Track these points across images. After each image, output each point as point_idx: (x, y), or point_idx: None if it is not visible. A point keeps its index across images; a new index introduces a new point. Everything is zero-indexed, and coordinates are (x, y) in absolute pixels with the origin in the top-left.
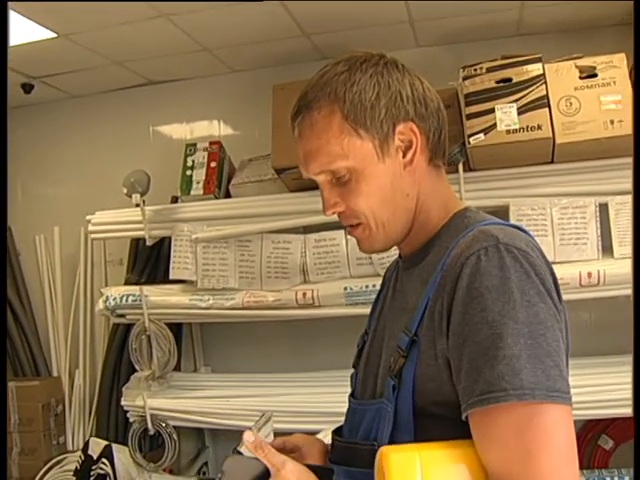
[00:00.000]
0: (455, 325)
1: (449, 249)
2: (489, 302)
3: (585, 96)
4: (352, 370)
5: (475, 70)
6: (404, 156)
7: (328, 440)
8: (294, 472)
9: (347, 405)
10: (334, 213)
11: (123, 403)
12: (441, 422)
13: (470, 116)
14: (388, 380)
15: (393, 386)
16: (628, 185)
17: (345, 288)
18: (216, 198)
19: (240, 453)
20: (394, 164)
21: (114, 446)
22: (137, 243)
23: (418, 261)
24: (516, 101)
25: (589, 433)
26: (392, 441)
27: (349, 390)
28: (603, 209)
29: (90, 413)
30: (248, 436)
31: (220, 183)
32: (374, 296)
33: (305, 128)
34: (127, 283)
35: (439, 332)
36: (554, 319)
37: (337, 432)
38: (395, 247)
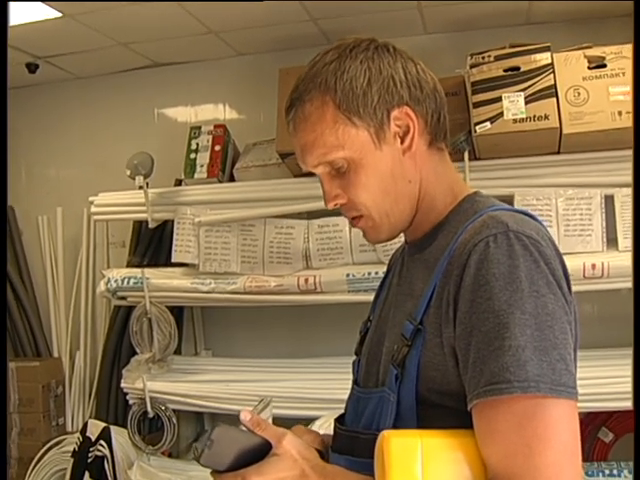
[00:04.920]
0: (462, 314)
1: (457, 234)
2: (496, 290)
3: (593, 86)
4: (354, 357)
5: (483, 58)
6: (402, 142)
7: (326, 428)
8: (293, 443)
9: (348, 392)
10: (336, 206)
11: (123, 385)
12: (445, 412)
13: (477, 104)
14: (391, 369)
15: (396, 375)
16: None
17: (347, 275)
18: (220, 182)
19: None
20: (392, 151)
21: (112, 428)
22: (140, 225)
23: (425, 247)
24: (524, 90)
25: (589, 426)
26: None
27: (350, 377)
28: (609, 201)
29: (90, 395)
30: (245, 415)
31: (224, 167)
32: (376, 283)
33: (299, 122)
34: (129, 265)
35: (446, 320)
36: (562, 311)
37: (339, 420)
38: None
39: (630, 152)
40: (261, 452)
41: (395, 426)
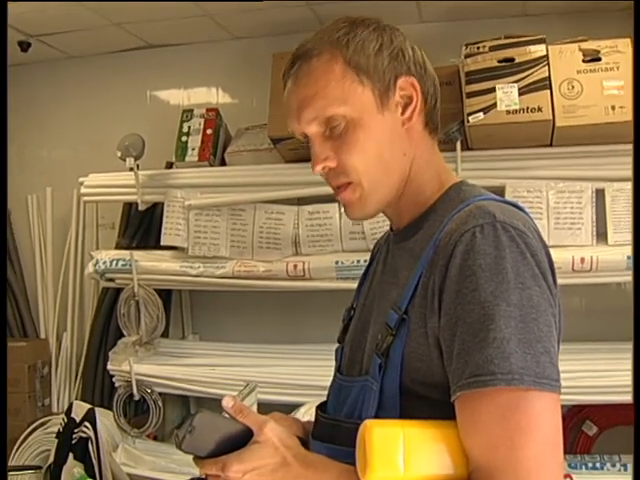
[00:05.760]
0: (447, 304)
1: (443, 224)
2: (482, 281)
3: (588, 80)
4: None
5: (478, 48)
6: (403, 112)
7: (311, 414)
8: (275, 430)
9: (331, 380)
10: (324, 169)
11: (109, 367)
12: (428, 403)
13: (470, 94)
14: (374, 358)
15: (379, 364)
16: (626, 172)
17: (336, 262)
18: (211, 165)
19: None
20: (393, 119)
21: (97, 410)
22: (130, 207)
23: (411, 235)
24: (517, 81)
25: (573, 418)
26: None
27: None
28: (600, 195)
29: (76, 376)
30: (227, 401)
31: (215, 150)
32: None
33: (302, 76)
34: (118, 247)
35: (431, 310)
36: (548, 303)
37: (321, 408)
38: (387, 222)
39: (622, 146)
40: (243, 439)
41: (377, 415)
